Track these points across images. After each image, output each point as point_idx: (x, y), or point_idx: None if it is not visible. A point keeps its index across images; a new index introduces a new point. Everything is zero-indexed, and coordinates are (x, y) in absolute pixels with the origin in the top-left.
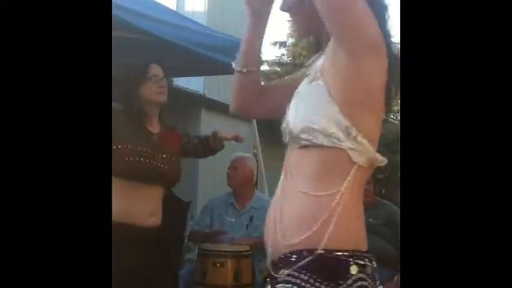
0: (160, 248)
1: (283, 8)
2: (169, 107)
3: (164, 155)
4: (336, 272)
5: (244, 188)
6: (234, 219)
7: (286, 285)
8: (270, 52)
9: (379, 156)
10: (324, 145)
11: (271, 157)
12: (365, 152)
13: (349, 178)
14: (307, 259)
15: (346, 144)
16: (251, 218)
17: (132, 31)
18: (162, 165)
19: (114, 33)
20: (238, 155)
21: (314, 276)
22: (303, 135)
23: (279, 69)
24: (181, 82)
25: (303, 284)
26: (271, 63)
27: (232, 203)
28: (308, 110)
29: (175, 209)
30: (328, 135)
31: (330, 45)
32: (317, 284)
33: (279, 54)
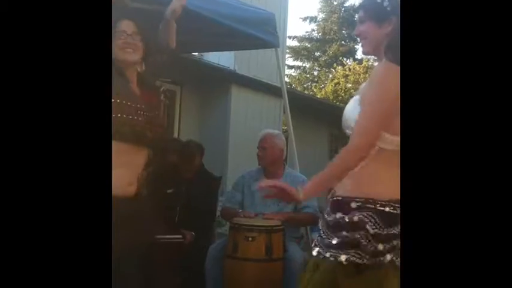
0: (134, 220)
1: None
2: (199, 82)
3: (146, 113)
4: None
5: (275, 165)
6: None
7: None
8: (299, 27)
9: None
10: None
11: (302, 133)
12: (383, 139)
13: (371, 155)
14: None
15: None
16: None
17: (160, 3)
18: (146, 124)
19: (141, 6)
20: (267, 132)
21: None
22: (347, 130)
23: (308, 45)
24: (211, 57)
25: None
26: (300, 39)
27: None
28: None
29: (207, 184)
30: None
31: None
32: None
33: (309, 30)
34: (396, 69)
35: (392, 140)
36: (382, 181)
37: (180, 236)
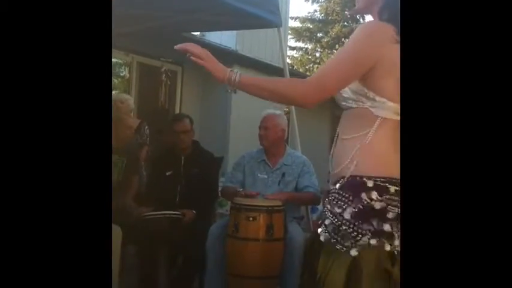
0: None
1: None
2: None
3: None
4: (357, 189)
5: (277, 145)
6: (266, 176)
7: (332, 196)
8: (301, 8)
9: None
10: (352, 107)
11: (304, 113)
12: (386, 107)
13: (374, 127)
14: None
15: (368, 104)
16: (283, 175)
17: None
18: None
19: None
20: (269, 112)
21: (342, 192)
22: (342, 102)
23: (311, 26)
24: (213, 37)
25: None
26: (303, 20)
27: (264, 160)
28: None
29: (207, 164)
30: (355, 100)
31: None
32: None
33: (311, 11)
34: (386, 29)
35: (390, 106)
36: (391, 157)
37: (177, 212)
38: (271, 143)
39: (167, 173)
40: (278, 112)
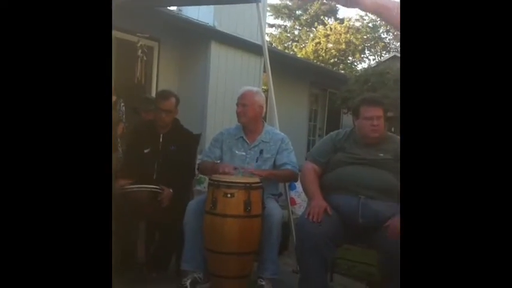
0: None
1: None
2: (177, 38)
3: None
4: None
5: (255, 122)
6: (244, 153)
7: None
8: None
9: None
10: None
11: (282, 92)
12: None
13: None
14: None
15: None
16: (261, 152)
17: None
18: None
19: None
20: (246, 89)
21: None
22: None
23: (289, 3)
24: (190, 13)
25: None
26: None
27: (241, 137)
28: None
29: (185, 141)
30: None
31: None
32: None
33: None
34: None
35: None
36: None
37: (157, 187)
38: (249, 120)
39: (145, 150)
40: (256, 89)
